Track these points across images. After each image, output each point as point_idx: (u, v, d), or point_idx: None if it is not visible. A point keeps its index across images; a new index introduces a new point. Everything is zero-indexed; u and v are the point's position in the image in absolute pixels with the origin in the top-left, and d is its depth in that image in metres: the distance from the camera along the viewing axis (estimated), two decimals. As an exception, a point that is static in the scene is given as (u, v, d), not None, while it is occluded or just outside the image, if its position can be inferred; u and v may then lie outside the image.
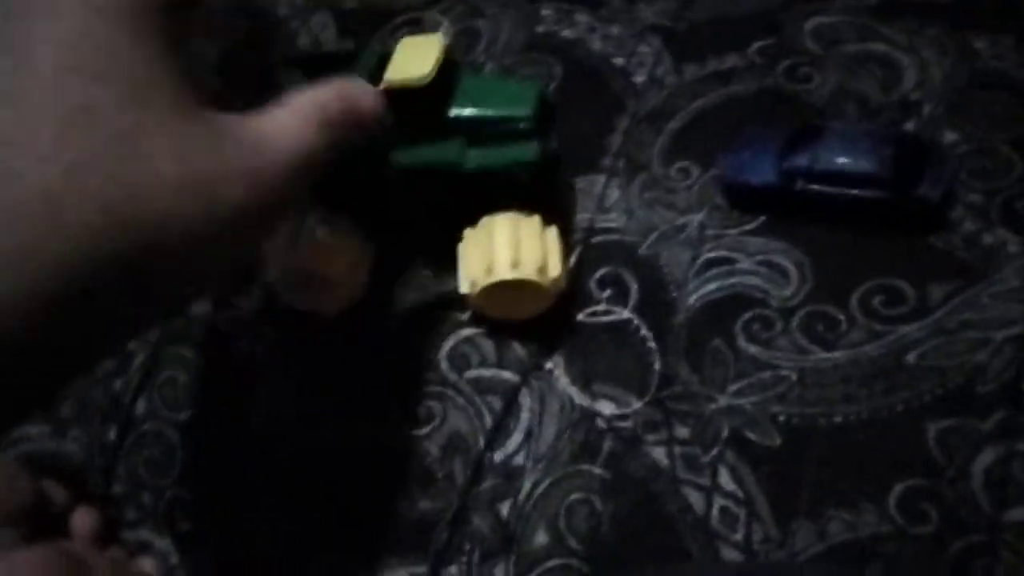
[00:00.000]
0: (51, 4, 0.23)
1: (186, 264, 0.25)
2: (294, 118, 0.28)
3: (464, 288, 0.37)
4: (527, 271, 0.36)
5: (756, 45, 0.44)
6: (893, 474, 0.32)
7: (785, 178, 0.38)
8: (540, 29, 0.48)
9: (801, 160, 0.37)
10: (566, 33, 0.47)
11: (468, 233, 0.38)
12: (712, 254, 0.39)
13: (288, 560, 0.35)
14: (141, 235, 0.23)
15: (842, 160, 0.37)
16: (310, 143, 0.27)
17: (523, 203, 0.38)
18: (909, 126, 0.40)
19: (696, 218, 0.40)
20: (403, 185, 0.38)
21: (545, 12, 0.49)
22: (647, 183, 0.41)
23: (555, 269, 0.37)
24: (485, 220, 0.38)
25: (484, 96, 0.37)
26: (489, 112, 0.36)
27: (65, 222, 0.22)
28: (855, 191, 0.37)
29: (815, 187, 0.37)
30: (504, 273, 0.36)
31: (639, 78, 0.45)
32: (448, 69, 0.36)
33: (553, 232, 0.38)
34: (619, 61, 0.45)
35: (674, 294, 0.38)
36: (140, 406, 0.40)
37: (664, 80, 0.44)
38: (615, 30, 0.47)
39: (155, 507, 0.38)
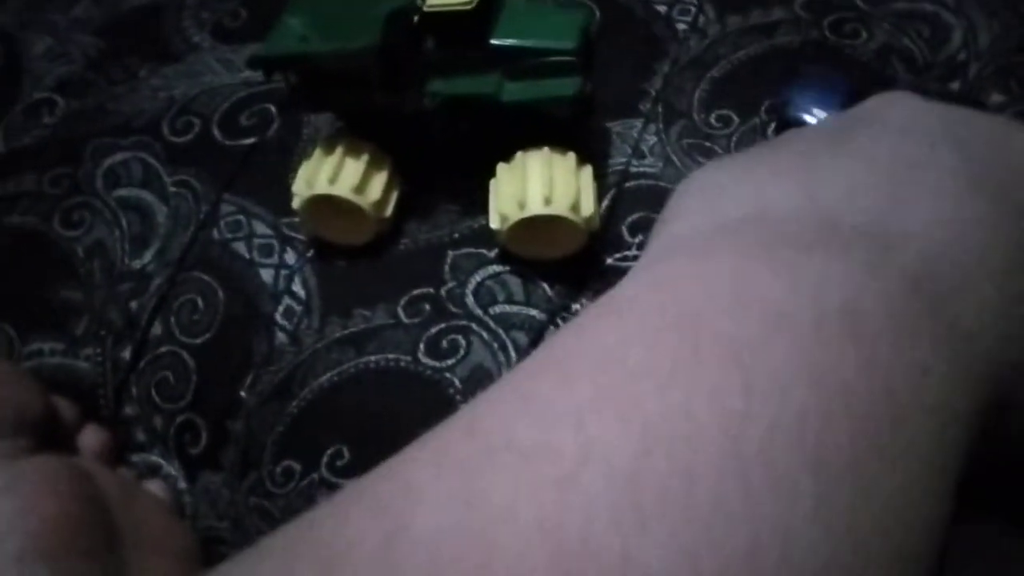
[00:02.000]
0: None
1: None
2: None
3: (495, 223, 0.36)
4: (560, 208, 0.34)
5: (803, -1, 0.44)
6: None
7: None
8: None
9: None
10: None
11: (501, 168, 0.37)
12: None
13: (301, 488, 0.34)
14: None
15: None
16: None
17: (559, 141, 0.37)
18: (954, 86, 0.39)
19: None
20: (437, 115, 0.37)
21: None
22: (686, 129, 0.40)
23: (588, 208, 0.35)
24: (519, 156, 0.37)
25: (527, 26, 0.36)
26: (531, 43, 0.35)
27: None
28: None
29: None
30: (536, 208, 0.35)
31: (681, 26, 0.44)
32: None
33: (588, 171, 0.37)
34: (662, 8, 0.45)
35: (708, 241, 0.37)
36: (156, 328, 0.39)
37: (707, 29, 0.43)
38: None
39: (166, 431, 0.37)
